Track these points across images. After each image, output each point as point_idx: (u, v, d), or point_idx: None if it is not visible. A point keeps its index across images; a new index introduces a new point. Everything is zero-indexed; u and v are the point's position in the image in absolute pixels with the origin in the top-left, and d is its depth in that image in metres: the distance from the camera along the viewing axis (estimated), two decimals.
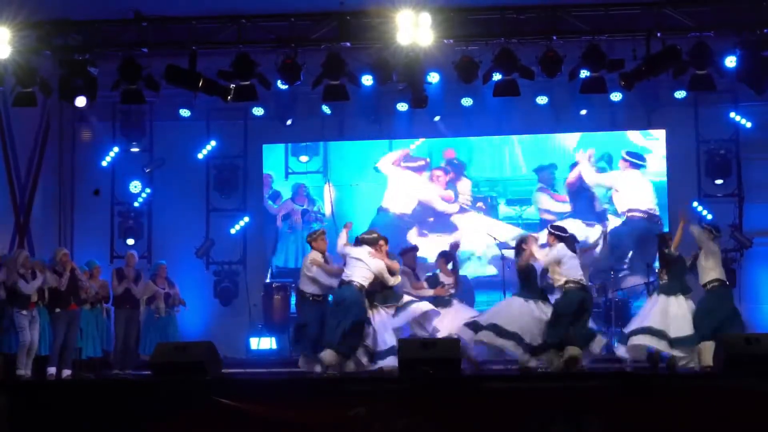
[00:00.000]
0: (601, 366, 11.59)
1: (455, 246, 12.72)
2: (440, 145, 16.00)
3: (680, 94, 14.43)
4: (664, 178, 15.39)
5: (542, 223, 15.29)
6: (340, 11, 12.44)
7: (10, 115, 14.13)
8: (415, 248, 12.75)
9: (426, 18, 11.83)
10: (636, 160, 15.48)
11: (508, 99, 13.23)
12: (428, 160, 15.96)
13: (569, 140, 15.75)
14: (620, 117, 15.42)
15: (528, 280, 11.55)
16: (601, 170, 15.56)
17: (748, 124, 14.92)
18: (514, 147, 15.88)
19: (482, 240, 15.11)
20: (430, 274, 12.57)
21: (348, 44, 12.60)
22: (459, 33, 12.38)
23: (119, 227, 15.98)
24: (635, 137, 15.59)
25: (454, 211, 15.76)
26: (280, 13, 12.69)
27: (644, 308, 11.87)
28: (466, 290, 15.06)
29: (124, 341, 13.58)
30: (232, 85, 12.72)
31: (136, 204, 16.02)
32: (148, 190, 16.05)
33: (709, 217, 14.85)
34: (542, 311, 11.37)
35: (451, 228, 15.68)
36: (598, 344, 11.29)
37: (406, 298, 11.68)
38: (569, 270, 11.23)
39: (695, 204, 15.03)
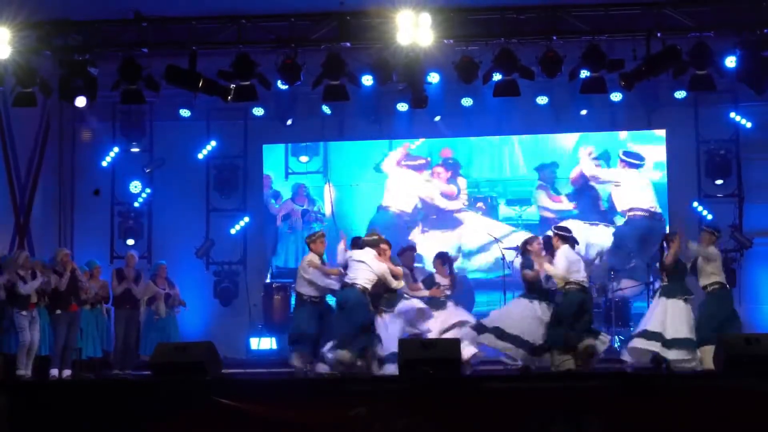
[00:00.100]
0: (601, 366, 11.58)
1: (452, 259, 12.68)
2: (440, 145, 16.00)
3: (680, 94, 14.43)
4: (664, 179, 15.39)
5: (542, 222, 15.32)
6: (340, 11, 12.45)
7: (10, 115, 14.13)
8: (412, 248, 12.71)
9: (426, 18, 11.83)
10: (633, 159, 15.49)
11: (508, 99, 13.23)
12: (429, 159, 15.96)
13: (567, 140, 15.75)
14: (620, 117, 15.43)
15: (533, 282, 11.54)
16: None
17: (748, 124, 14.92)
18: (514, 147, 15.89)
19: (482, 238, 15.14)
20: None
21: (348, 44, 12.61)
22: (459, 33, 12.39)
23: (119, 227, 15.98)
24: (634, 140, 15.61)
25: (457, 208, 15.76)
26: (280, 13, 12.70)
27: (648, 311, 11.91)
28: (466, 291, 15.10)
29: (124, 341, 13.59)
30: (232, 85, 12.73)
31: (136, 204, 16.02)
32: (148, 190, 16.05)
33: (710, 217, 14.86)
34: (546, 312, 11.37)
35: (454, 224, 15.68)
36: (601, 344, 11.30)
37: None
38: (572, 272, 11.23)
39: (695, 204, 15.05)
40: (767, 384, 9.03)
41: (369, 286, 11.31)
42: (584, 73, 12.64)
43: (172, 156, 15.96)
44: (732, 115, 15.00)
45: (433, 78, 13.50)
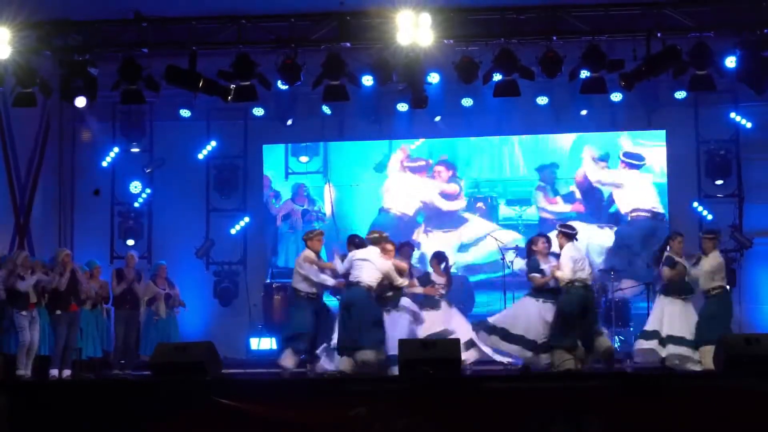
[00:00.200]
0: (601, 366, 11.58)
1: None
2: (440, 145, 16.01)
3: (680, 95, 14.42)
4: (664, 180, 15.40)
5: (541, 223, 15.32)
6: (340, 11, 12.45)
7: (10, 116, 14.13)
8: (410, 244, 12.70)
9: (426, 18, 11.83)
10: (633, 160, 15.49)
11: (508, 99, 13.23)
12: (430, 162, 15.96)
13: (565, 140, 15.77)
14: (620, 117, 15.42)
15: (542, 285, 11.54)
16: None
17: (748, 125, 14.92)
18: (514, 147, 15.89)
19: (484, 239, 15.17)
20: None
21: (348, 44, 12.61)
22: (459, 33, 12.39)
23: (119, 227, 15.98)
24: (631, 142, 15.62)
25: (460, 207, 15.76)
26: (280, 13, 12.70)
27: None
28: (466, 292, 15.12)
29: (124, 342, 13.57)
30: (232, 86, 12.73)
31: (136, 204, 16.03)
32: (148, 191, 16.06)
33: (710, 217, 14.88)
34: (550, 311, 11.37)
35: (458, 222, 15.69)
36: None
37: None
38: (577, 271, 11.23)
39: (695, 204, 15.05)
40: (767, 384, 9.03)
41: (374, 285, 11.26)
42: (584, 74, 12.64)
43: (172, 156, 15.97)
44: (732, 115, 15.00)
45: (433, 78, 13.49)
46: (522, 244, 13.42)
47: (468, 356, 11.41)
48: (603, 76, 12.58)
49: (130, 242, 15.65)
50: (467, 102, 14.89)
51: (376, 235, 11.65)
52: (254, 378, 11.89)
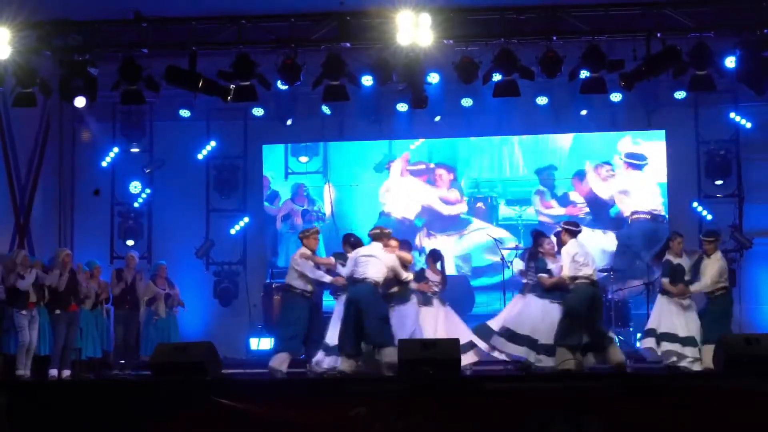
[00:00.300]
0: (601, 366, 11.59)
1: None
2: (440, 145, 16.02)
3: (680, 95, 14.43)
4: (664, 179, 15.41)
5: (540, 225, 15.31)
6: (340, 11, 12.44)
7: (10, 116, 14.12)
8: (407, 242, 12.67)
9: (426, 18, 11.82)
10: (636, 161, 15.49)
11: (508, 99, 13.22)
12: (432, 165, 15.96)
13: (565, 141, 15.77)
14: (620, 117, 15.43)
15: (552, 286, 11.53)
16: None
17: (748, 125, 14.92)
18: (513, 147, 15.90)
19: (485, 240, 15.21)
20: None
21: (348, 44, 12.59)
22: (459, 33, 12.38)
23: (119, 227, 15.99)
24: (630, 140, 15.64)
25: (461, 212, 15.77)
26: (280, 13, 12.69)
27: None
28: (466, 292, 15.12)
29: (123, 341, 13.57)
30: (232, 86, 12.72)
31: (136, 204, 16.03)
32: (148, 191, 16.06)
33: (710, 217, 14.89)
34: (558, 311, 11.36)
35: (460, 226, 15.69)
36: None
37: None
38: (581, 267, 11.22)
39: (695, 204, 15.06)
40: (767, 384, 9.03)
41: (380, 280, 11.21)
42: (584, 74, 12.63)
43: (172, 156, 15.97)
44: (732, 115, 15.00)
45: (433, 78, 13.50)
46: (517, 247, 13.45)
47: (467, 359, 11.38)
48: (603, 76, 12.57)
49: (130, 242, 15.65)
50: (467, 102, 14.90)
51: (378, 231, 11.62)
52: (254, 378, 11.87)
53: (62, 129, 15.74)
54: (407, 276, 11.45)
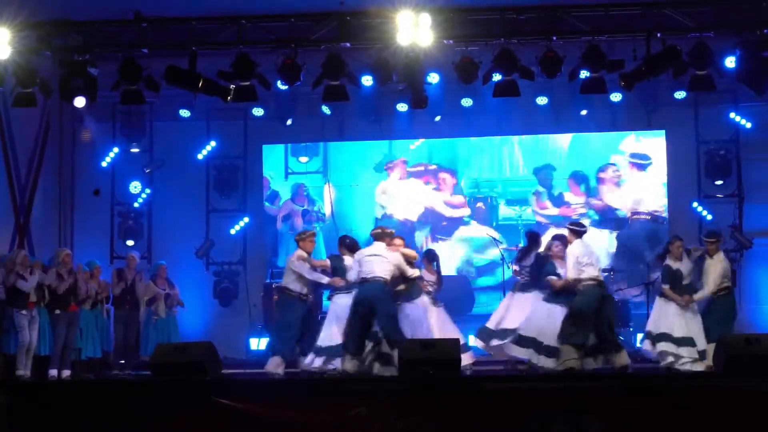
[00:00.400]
0: (601, 366, 11.59)
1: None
2: (440, 145, 16.02)
3: (680, 95, 14.43)
4: (665, 179, 15.41)
5: (537, 225, 15.34)
6: (340, 11, 12.44)
7: (10, 116, 14.12)
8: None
9: (426, 18, 11.82)
10: (640, 160, 15.49)
11: (508, 99, 13.21)
12: (433, 166, 15.95)
13: (565, 141, 15.77)
14: (620, 117, 15.43)
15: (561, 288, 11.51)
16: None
17: (748, 125, 14.92)
18: (514, 147, 15.90)
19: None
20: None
21: (348, 44, 12.59)
22: (459, 33, 12.38)
23: (119, 227, 15.99)
24: (632, 141, 15.63)
25: (464, 215, 15.77)
26: (280, 13, 12.69)
27: None
28: (466, 292, 15.13)
29: (123, 341, 13.58)
30: (232, 86, 12.72)
31: (136, 204, 16.03)
32: (148, 191, 16.06)
33: (710, 217, 14.88)
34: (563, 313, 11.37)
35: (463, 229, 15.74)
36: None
37: None
38: (585, 267, 11.21)
39: (695, 204, 15.06)
40: (767, 384, 9.03)
41: (388, 278, 11.20)
42: (584, 74, 12.63)
43: (172, 156, 15.97)
44: (732, 115, 15.00)
45: (433, 78, 13.50)
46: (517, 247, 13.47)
47: (463, 359, 11.38)
48: (603, 76, 12.57)
49: (130, 242, 15.65)
50: (467, 102, 14.90)
51: (379, 230, 11.63)
52: (254, 378, 11.87)
53: (62, 129, 15.74)
54: (413, 272, 11.45)
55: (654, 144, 15.50)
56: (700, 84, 12.67)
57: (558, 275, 11.43)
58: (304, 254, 11.67)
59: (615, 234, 15.45)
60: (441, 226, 15.82)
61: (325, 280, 11.60)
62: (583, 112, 15.08)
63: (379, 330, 11.12)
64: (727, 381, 9.31)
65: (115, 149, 15.96)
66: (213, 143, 16.00)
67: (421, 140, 16.01)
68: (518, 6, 12.38)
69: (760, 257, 14.74)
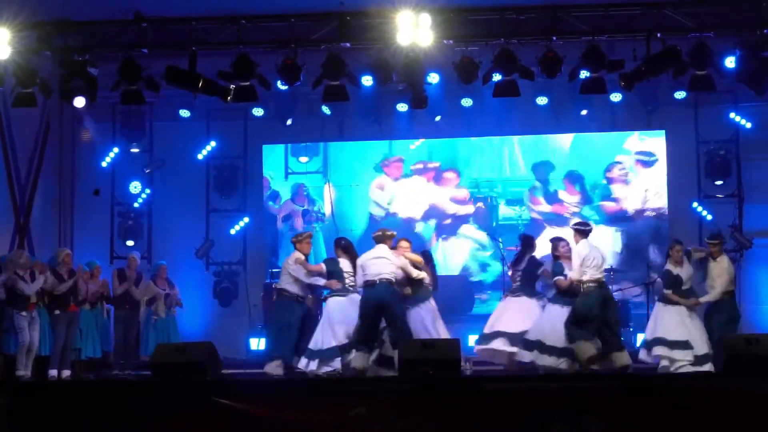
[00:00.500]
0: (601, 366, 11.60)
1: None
2: (440, 145, 16.02)
3: (680, 95, 14.43)
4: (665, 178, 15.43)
5: (531, 222, 15.35)
6: (340, 11, 12.44)
7: (10, 116, 14.12)
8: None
9: (426, 18, 11.82)
10: (646, 157, 15.49)
11: (508, 99, 13.21)
12: (434, 164, 15.94)
13: (565, 141, 15.77)
14: (620, 117, 15.43)
15: (567, 288, 11.51)
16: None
17: (748, 125, 14.92)
18: (514, 147, 15.89)
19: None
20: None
21: (348, 45, 12.60)
22: (459, 33, 12.38)
23: (119, 228, 15.99)
24: (636, 140, 15.63)
25: (470, 212, 15.76)
26: (280, 13, 12.69)
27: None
28: (466, 292, 15.13)
29: (123, 342, 13.58)
30: (232, 86, 12.72)
31: (136, 204, 16.03)
32: (148, 191, 16.06)
33: (709, 217, 14.88)
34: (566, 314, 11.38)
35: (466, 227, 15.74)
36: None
37: None
38: (589, 269, 11.20)
39: (695, 204, 15.06)
40: (767, 384, 9.03)
41: (393, 279, 11.22)
42: (584, 74, 12.63)
43: (172, 156, 15.97)
44: (732, 115, 15.00)
45: (433, 78, 13.49)
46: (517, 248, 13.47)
47: None
48: (603, 76, 12.57)
49: (130, 242, 15.65)
50: (467, 102, 14.90)
51: (380, 233, 11.63)
52: (254, 378, 11.87)
53: (62, 129, 15.74)
54: (418, 274, 11.44)
55: (656, 144, 15.50)
56: (700, 84, 12.67)
57: (566, 276, 11.44)
58: (301, 257, 11.68)
59: (620, 232, 15.41)
60: (446, 224, 15.80)
61: (322, 282, 11.61)
62: (583, 112, 15.07)
63: (387, 333, 11.11)
64: (727, 381, 9.30)
65: (115, 149, 15.96)
66: (213, 143, 16.00)
67: (421, 140, 16.01)
68: (518, 6, 12.38)
69: (760, 257, 14.73)
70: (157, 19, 12.65)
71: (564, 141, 15.79)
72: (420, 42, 11.97)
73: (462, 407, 9.11)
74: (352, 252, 11.66)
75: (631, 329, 14.01)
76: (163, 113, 15.69)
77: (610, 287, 13.74)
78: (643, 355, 11.65)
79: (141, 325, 13.84)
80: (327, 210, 16.00)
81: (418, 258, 11.69)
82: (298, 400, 9.38)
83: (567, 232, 12.68)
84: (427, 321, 11.39)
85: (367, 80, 13.13)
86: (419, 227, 15.79)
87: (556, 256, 11.72)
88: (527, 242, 12.18)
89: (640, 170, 15.52)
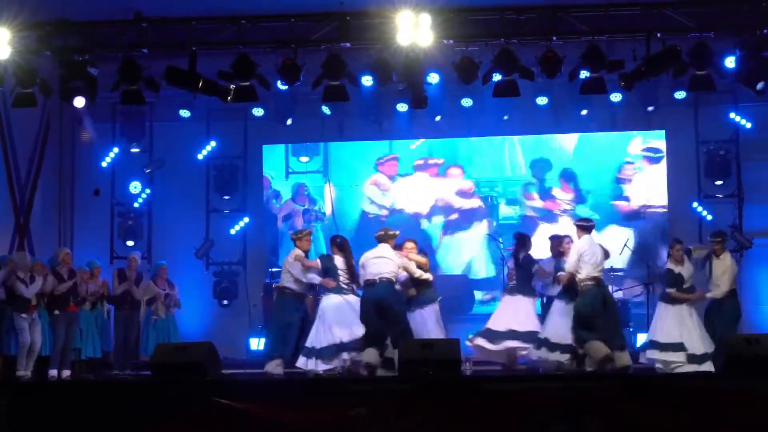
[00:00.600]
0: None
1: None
2: (440, 145, 16.02)
3: (680, 95, 14.43)
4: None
5: (523, 220, 15.38)
6: (340, 11, 12.44)
7: (10, 116, 14.13)
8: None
9: (426, 18, 11.82)
10: (653, 153, 15.49)
11: (508, 99, 13.23)
12: (437, 160, 15.94)
13: (565, 141, 15.77)
14: (620, 117, 15.43)
15: (570, 284, 11.50)
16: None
17: (748, 125, 14.93)
18: (514, 147, 15.90)
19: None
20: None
21: (348, 45, 12.60)
22: (459, 33, 12.38)
23: (119, 228, 16.00)
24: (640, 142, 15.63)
25: (476, 206, 15.77)
26: (280, 13, 12.69)
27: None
28: (466, 291, 15.13)
29: (123, 342, 13.58)
30: (232, 86, 12.72)
31: (135, 204, 16.04)
32: (147, 191, 16.07)
33: (710, 217, 14.88)
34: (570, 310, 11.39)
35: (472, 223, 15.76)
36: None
37: None
38: (587, 266, 11.19)
39: (695, 204, 15.06)
40: (767, 384, 9.03)
41: (394, 278, 11.23)
42: (584, 74, 12.63)
43: (172, 156, 15.98)
44: (732, 115, 15.01)
45: (433, 78, 13.49)
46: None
47: None
48: (603, 77, 12.57)
49: (130, 243, 15.65)
50: (467, 102, 14.90)
51: (383, 232, 11.63)
52: (254, 378, 11.87)
53: (62, 129, 15.75)
54: (421, 274, 11.44)
55: (660, 145, 15.50)
56: (700, 84, 12.68)
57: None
58: (301, 253, 11.67)
59: (634, 230, 15.38)
60: (452, 219, 15.80)
61: (317, 280, 11.59)
62: (584, 113, 15.08)
63: (387, 334, 11.12)
64: (727, 381, 9.30)
65: (115, 149, 15.97)
66: (213, 143, 16.01)
67: (421, 140, 16.01)
68: (518, 6, 12.39)
69: (760, 257, 14.74)
70: (157, 19, 12.66)
71: (568, 143, 15.77)
72: (420, 42, 11.97)
73: (462, 407, 9.10)
74: (347, 250, 11.66)
75: (631, 329, 14.01)
76: (163, 113, 15.69)
77: (611, 288, 13.83)
78: (642, 358, 11.68)
79: (141, 325, 13.84)
80: (327, 209, 16.02)
81: (424, 260, 11.68)
82: (298, 400, 9.38)
83: (561, 229, 12.68)
84: (429, 323, 11.39)
85: (367, 80, 13.13)
86: (425, 224, 15.78)
87: (560, 253, 11.71)
88: (522, 240, 12.18)
89: (646, 166, 15.53)
